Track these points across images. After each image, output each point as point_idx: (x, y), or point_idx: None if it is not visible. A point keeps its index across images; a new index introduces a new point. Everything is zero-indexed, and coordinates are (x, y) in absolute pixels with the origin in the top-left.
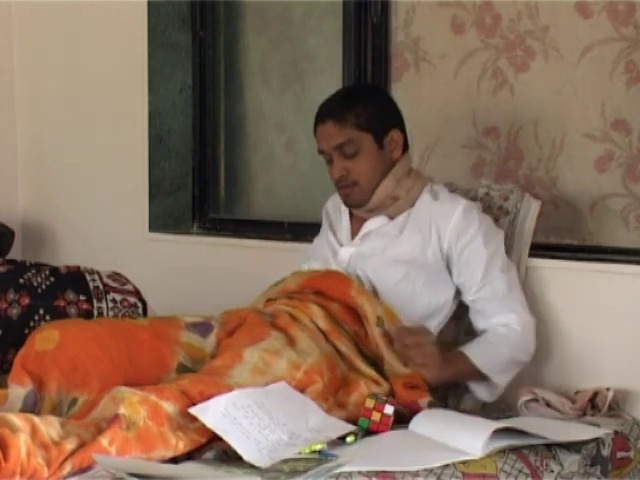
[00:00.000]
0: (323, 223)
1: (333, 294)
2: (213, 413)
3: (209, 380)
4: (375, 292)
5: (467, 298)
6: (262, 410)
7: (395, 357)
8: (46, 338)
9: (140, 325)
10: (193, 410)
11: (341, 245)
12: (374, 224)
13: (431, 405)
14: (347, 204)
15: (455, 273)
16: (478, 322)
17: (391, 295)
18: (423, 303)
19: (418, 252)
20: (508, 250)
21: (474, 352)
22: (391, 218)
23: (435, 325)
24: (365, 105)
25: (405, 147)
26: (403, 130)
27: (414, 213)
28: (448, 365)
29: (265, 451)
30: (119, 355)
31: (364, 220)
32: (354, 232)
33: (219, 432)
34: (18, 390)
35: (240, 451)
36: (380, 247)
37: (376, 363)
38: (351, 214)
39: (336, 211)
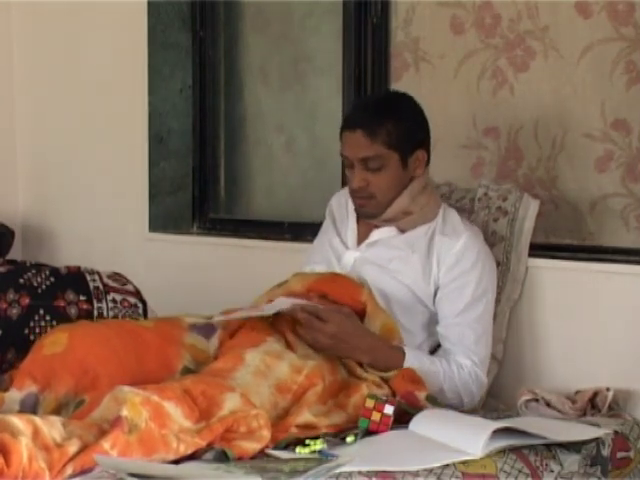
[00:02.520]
0: (326, 222)
1: (341, 299)
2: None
3: (211, 381)
4: None
5: (437, 328)
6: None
7: None
8: (54, 342)
9: (146, 327)
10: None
11: (346, 248)
12: (382, 233)
13: (429, 399)
14: (360, 214)
15: (436, 299)
16: (438, 354)
17: (387, 307)
18: (417, 323)
19: (421, 280)
20: (508, 251)
21: (412, 355)
22: (401, 231)
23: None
24: (398, 122)
25: (426, 162)
26: (428, 148)
27: (425, 238)
28: (377, 342)
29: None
30: (127, 357)
31: (371, 225)
32: (360, 236)
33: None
34: (14, 394)
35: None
36: (386, 258)
37: None
38: (358, 217)
39: (342, 212)
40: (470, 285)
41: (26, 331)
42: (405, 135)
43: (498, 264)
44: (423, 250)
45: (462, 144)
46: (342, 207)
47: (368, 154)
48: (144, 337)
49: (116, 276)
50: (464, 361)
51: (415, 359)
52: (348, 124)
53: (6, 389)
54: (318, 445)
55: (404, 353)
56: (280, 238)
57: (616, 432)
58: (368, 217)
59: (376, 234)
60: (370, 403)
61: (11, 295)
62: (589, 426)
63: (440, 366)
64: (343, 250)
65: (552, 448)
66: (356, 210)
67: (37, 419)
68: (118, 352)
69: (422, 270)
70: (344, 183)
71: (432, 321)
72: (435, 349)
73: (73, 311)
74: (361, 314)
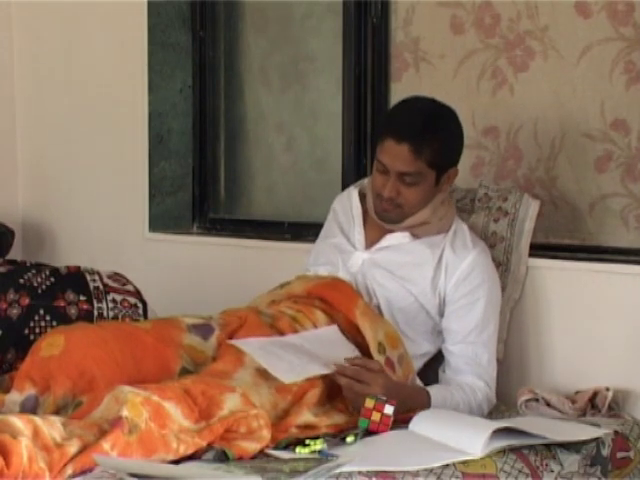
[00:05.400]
0: (329, 225)
1: (339, 306)
2: (252, 345)
3: (211, 381)
4: (378, 304)
5: (444, 345)
6: (299, 348)
7: None
8: (51, 344)
9: (143, 328)
10: (233, 341)
11: (355, 249)
12: (396, 239)
13: None
14: (380, 217)
15: (445, 315)
16: (445, 371)
17: (390, 313)
18: (420, 331)
19: (429, 289)
20: (508, 251)
21: (436, 394)
22: (414, 236)
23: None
24: (442, 140)
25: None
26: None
27: (437, 247)
28: (408, 399)
29: (297, 369)
30: (124, 359)
31: (382, 229)
32: (368, 239)
33: (254, 355)
34: (15, 396)
35: (267, 366)
36: (397, 262)
37: None
38: (364, 220)
39: (347, 216)
40: (480, 302)
41: (26, 331)
42: (446, 155)
43: (499, 264)
44: (435, 258)
45: None
46: (347, 211)
47: (409, 170)
48: (142, 339)
49: (116, 276)
50: (477, 382)
51: (440, 396)
52: (395, 134)
53: (6, 390)
54: (318, 445)
55: (428, 393)
56: (280, 238)
57: (616, 432)
58: (387, 222)
59: (389, 239)
60: (370, 403)
61: (11, 295)
62: (589, 426)
63: (459, 397)
64: (351, 251)
65: (552, 448)
66: (378, 215)
67: (37, 419)
68: (115, 354)
69: (432, 278)
70: (344, 183)
71: (435, 330)
72: (436, 357)
73: (73, 311)
74: (353, 324)
